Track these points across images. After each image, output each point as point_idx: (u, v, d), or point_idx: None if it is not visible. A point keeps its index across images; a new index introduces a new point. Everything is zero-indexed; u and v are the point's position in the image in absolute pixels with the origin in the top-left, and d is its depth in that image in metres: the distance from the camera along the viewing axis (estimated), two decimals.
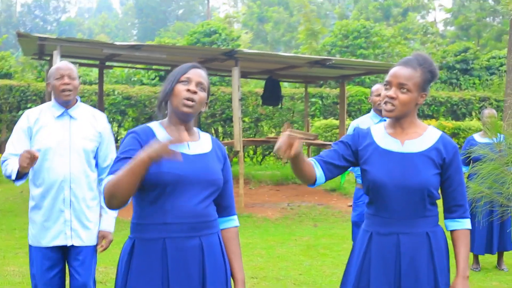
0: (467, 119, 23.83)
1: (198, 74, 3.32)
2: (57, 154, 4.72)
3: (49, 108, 4.89)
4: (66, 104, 4.84)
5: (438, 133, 3.53)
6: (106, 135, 4.98)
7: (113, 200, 3.02)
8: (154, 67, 19.30)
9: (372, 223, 3.55)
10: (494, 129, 4.99)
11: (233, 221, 3.53)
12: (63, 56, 11.73)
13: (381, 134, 3.56)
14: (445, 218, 3.53)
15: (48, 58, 14.00)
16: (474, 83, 28.59)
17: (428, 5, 57.09)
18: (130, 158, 3.07)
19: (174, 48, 14.66)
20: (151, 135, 3.25)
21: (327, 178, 3.56)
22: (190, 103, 3.23)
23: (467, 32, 46.54)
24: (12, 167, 4.55)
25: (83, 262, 4.82)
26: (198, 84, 3.30)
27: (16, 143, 4.74)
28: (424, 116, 23.33)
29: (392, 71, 3.47)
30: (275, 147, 3.16)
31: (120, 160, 3.13)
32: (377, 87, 7.23)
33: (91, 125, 4.90)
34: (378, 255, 3.48)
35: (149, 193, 3.18)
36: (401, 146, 3.48)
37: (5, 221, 11.23)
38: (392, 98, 3.42)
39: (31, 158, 4.26)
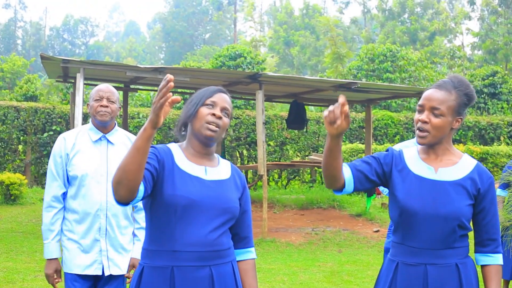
0: (495, 143, 23.53)
1: (224, 99, 3.23)
2: (93, 181, 4.62)
3: (87, 131, 4.78)
4: (104, 128, 4.75)
5: (474, 162, 3.37)
6: None
7: (119, 188, 2.81)
8: (179, 90, 19.30)
9: (399, 252, 3.39)
10: None
11: (250, 253, 3.40)
12: (87, 79, 11.72)
13: (414, 159, 3.41)
14: (476, 251, 3.36)
15: (73, 81, 13.99)
16: (502, 107, 28.28)
17: (455, 29, 56.88)
18: (148, 163, 2.98)
19: (198, 71, 14.60)
20: (169, 153, 3.15)
21: (356, 187, 3.36)
22: (213, 127, 3.14)
23: (494, 56, 46.23)
24: (49, 241, 4.63)
25: None
26: (223, 109, 3.21)
27: (57, 179, 4.66)
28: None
29: (425, 93, 3.33)
30: (326, 110, 2.95)
31: None
32: None
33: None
34: (404, 286, 3.33)
35: (160, 217, 3.07)
36: (434, 173, 3.33)
37: (27, 243, 11.16)
38: (424, 122, 3.28)
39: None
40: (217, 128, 3.15)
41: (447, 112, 3.25)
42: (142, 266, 3.13)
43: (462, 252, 3.31)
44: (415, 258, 3.30)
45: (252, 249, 3.40)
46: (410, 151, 3.47)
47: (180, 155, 3.18)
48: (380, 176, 3.41)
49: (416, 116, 3.35)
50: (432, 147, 3.37)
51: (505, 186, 7.99)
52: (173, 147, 3.22)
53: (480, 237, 3.34)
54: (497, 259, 3.31)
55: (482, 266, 3.34)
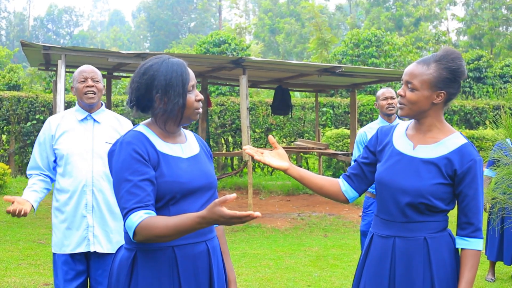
0: (480, 128, 23.58)
1: (193, 76, 3.15)
2: (79, 159, 4.67)
3: (73, 113, 4.85)
4: (90, 108, 4.79)
5: (460, 142, 3.29)
6: None
7: (146, 241, 2.88)
8: None
9: (375, 224, 3.47)
10: (509, 134, 4.76)
11: None
12: (69, 66, 11.59)
13: (400, 134, 3.45)
14: (456, 234, 3.33)
15: (55, 68, 13.87)
16: (487, 92, 28.37)
17: (440, 14, 56.88)
18: (146, 179, 2.91)
19: (181, 57, 14.36)
20: (147, 142, 3.04)
21: (359, 188, 3.56)
22: (200, 110, 3.15)
23: (480, 41, 46.29)
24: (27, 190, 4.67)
25: (104, 271, 4.71)
26: (196, 86, 3.17)
27: (38, 157, 4.80)
28: None
29: (406, 68, 3.35)
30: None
31: (137, 184, 2.90)
32: (382, 91, 7.09)
33: (114, 130, 4.82)
34: (375, 257, 3.40)
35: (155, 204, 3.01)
36: (412, 149, 3.34)
37: (10, 232, 11.07)
38: (400, 95, 3.32)
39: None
40: (201, 109, 3.15)
41: (421, 86, 3.24)
42: (134, 251, 3.05)
43: (433, 226, 3.29)
44: (386, 230, 3.37)
45: None
46: (403, 125, 3.52)
47: (156, 138, 3.10)
48: (372, 162, 3.53)
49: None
50: (418, 122, 3.38)
51: (491, 164, 7.93)
52: (145, 131, 3.12)
53: (459, 220, 3.31)
54: (473, 243, 3.25)
55: (461, 250, 3.30)
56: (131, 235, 2.86)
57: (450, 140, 3.30)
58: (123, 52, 11.53)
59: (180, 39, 72.66)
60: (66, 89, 9.98)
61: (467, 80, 28.68)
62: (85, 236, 4.65)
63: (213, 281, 3.12)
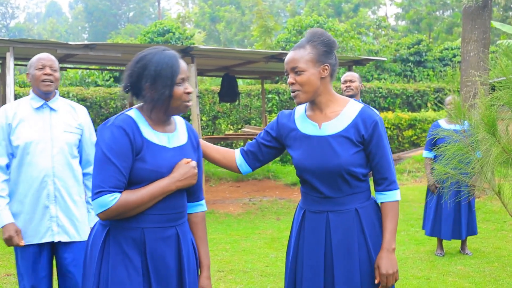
0: (422, 110, 24.09)
1: (185, 68, 3.24)
2: (38, 148, 4.59)
3: (28, 101, 4.75)
4: (46, 96, 4.71)
5: (358, 108, 3.51)
6: (87, 127, 4.87)
7: (122, 216, 3.08)
8: (108, 67, 19.15)
9: (305, 201, 3.63)
10: (459, 114, 4.99)
11: (202, 206, 3.51)
12: (17, 58, 11.50)
13: (301, 118, 3.61)
14: (375, 191, 3.57)
15: (0, 61, 13.69)
16: (428, 75, 28.88)
17: (379, 0, 57.53)
18: (128, 165, 3.07)
19: (129, 47, 14.41)
20: (135, 128, 3.14)
21: (253, 165, 3.72)
22: (189, 103, 3.21)
23: (418, 25, 47.06)
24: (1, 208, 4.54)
25: (74, 259, 4.70)
26: (188, 79, 3.25)
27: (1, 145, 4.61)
28: (380, 109, 23.51)
29: (285, 58, 3.52)
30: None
31: (118, 168, 3.05)
32: (345, 74, 7.43)
33: (72, 117, 4.79)
34: (310, 231, 3.56)
35: (129, 187, 3.12)
36: (318, 129, 3.51)
37: None
38: (291, 84, 3.47)
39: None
40: (191, 102, 3.24)
41: (307, 66, 3.42)
42: (107, 227, 3.17)
43: (361, 197, 3.52)
44: (318, 206, 3.53)
45: (203, 201, 3.51)
46: (300, 109, 3.67)
47: (145, 125, 3.19)
48: (270, 144, 3.69)
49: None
50: (314, 103, 3.55)
51: (429, 145, 8.27)
52: (136, 116, 3.20)
53: (374, 177, 3.55)
54: (390, 195, 3.49)
55: (381, 204, 3.53)
56: (99, 211, 3.01)
57: (348, 110, 3.50)
58: (72, 43, 11.47)
59: (119, 30, 71.91)
60: (15, 82, 9.92)
61: (408, 64, 29.19)
62: (49, 227, 4.61)
63: (183, 265, 3.22)
